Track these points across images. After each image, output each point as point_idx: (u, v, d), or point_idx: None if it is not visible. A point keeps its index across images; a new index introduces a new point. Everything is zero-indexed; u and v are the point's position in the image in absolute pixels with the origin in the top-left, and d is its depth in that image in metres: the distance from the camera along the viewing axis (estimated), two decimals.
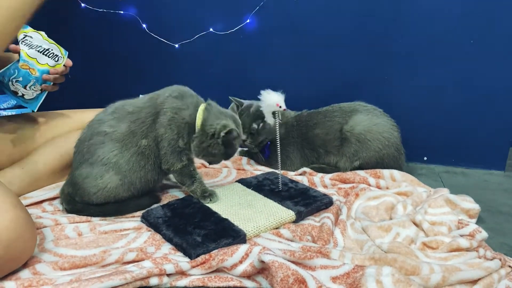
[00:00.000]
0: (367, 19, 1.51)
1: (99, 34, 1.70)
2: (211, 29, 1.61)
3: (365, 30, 1.52)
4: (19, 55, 1.10)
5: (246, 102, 1.41)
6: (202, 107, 1.08)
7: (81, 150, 1.05)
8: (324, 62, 1.59)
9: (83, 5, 1.63)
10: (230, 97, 1.41)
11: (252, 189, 1.17)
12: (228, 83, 1.67)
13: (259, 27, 1.59)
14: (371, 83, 1.57)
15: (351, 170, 1.35)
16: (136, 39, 1.66)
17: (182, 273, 0.82)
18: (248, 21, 1.58)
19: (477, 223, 1.06)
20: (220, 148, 1.07)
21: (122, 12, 1.64)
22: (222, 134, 1.04)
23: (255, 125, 1.37)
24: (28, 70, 1.09)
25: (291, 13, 1.56)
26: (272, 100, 1.11)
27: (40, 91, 1.14)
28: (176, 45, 1.65)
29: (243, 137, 1.37)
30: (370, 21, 1.51)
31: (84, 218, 1.01)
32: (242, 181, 1.23)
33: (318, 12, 1.54)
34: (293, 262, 0.79)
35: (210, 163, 1.19)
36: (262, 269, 0.81)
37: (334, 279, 0.80)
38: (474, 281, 0.80)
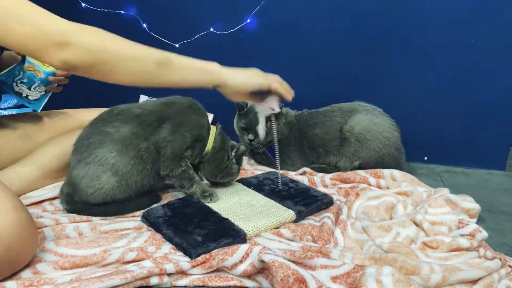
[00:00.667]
0: (367, 19, 1.51)
1: None
2: (211, 29, 1.61)
3: (365, 30, 1.52)
4: (24, 56, 1.11)
5: (250, 102, 1.41)
6: (215, 130, 1.14)
7: (79, 148, 1.04)
8: (324, 62, 1.59)
9: (83, 5, 1.63)
10: None
11: (252, 189, 1.17)
12: None
13: (260, 26, 1.59)
14: (371, 83, 1.57)
15: (351, 170, 1.35)
16: (137, 39, 1.66)
17: (183, 273, 0.82)
18: (248, 21, 1.58)
19: (477, 223, 1.06)
20: (235, 167, 1.16)
21: (122, 12, 1.64)
22: (233, 153, 1.15)
23: None
24: (33, 72, 1.10)
25: (291, 13, 1.56)
26: (265, 104, 1.12)
27: (44, 92, 1.16)
28: (177, 45, 1.65)
29: (251, 136, 1.37)
30: (370, 21, 1.51)
31: (84, 217, 1.01)
32: (242, 181, 1.23)
33: (319, 12, 1.54)
34: (293, 261, 0.79)
35: (225, 183, 1.19)
36: (263, 269, 0.81)
37: (334, 278, 0.80)
38: (474, 281, 0.80)
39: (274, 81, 0.95)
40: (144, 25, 1.64)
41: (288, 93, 0.97)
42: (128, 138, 1.03)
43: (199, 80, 0.88)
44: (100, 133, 1.03)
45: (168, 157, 1.06)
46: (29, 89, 1.12)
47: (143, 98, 1.71)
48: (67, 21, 0.78)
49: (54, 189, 1.13)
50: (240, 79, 0.91)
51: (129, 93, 1.72)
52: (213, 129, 1.14)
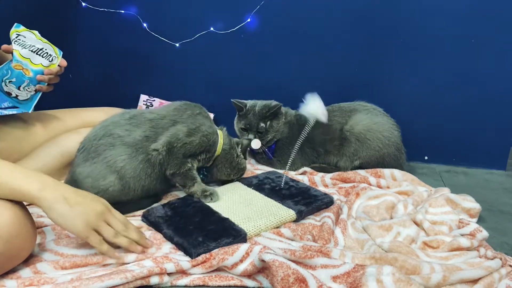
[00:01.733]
0: (367, 18, 1.51)
1: (100, 33, 1.69)
2: (211, 28, 1.61)
3: (366, 30, 1.52)
4: (12, 55, 1.07)
5: (249, 102, 1.41)
6: (221, 133, 1.18)
7: (88, 147, 1.03)
8: (324, 61, 1.59)
9: (84, 4, 1.63)
10: (232, 100, 1.40)
11: (253, 188, 1.17)
12: (229, 82, 1.67)
13: (260, 26, 1.59)
14: (372, 83, 1.57)
15: (351, 169, 1.35)
16: (137, 38, 1.66)
17: (183, 272, 0.82)
18: (248, 20, 1.58)
19: (478, 222, 1.06)
20: (243, 161, 1.24)
21: (122, 11, 1.64)
22: (239, 150, 1.21)
23: (263, 124, 1.37)
24: (21, 70, 1.07)
25: (291, 12, 1.56)
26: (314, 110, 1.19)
27: (34, 92, 1.12)
28: (177, 44, 1.65)
29: (251, 137, 1.37)
30: (370, 21, 1.51)
31: None
32: (242, 180, 1.23)
33: (319, 12, 1.54)
34: (293, 261, 0.79)
35: (240, 177, 1.25)
36: (263, 268, 0.81)
37: (335, 278, 0.80)
38: (475, 281, 0.80)
39: (95, 239, 0.80)
40: (144, 25, 1.64)
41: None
42: (139, 142, 1.03)
43: (10, 198, 0.76)
44: (111, 135, 1.03)
45: (177, 157, 1.07)
46: (18, 88, 1.08)
47: (143, 97, 1.71)
48: None
49: None
50: (56, 216, 0.77)
51: (129, 92, 1.72)
52: (221, 132, 1.18)
